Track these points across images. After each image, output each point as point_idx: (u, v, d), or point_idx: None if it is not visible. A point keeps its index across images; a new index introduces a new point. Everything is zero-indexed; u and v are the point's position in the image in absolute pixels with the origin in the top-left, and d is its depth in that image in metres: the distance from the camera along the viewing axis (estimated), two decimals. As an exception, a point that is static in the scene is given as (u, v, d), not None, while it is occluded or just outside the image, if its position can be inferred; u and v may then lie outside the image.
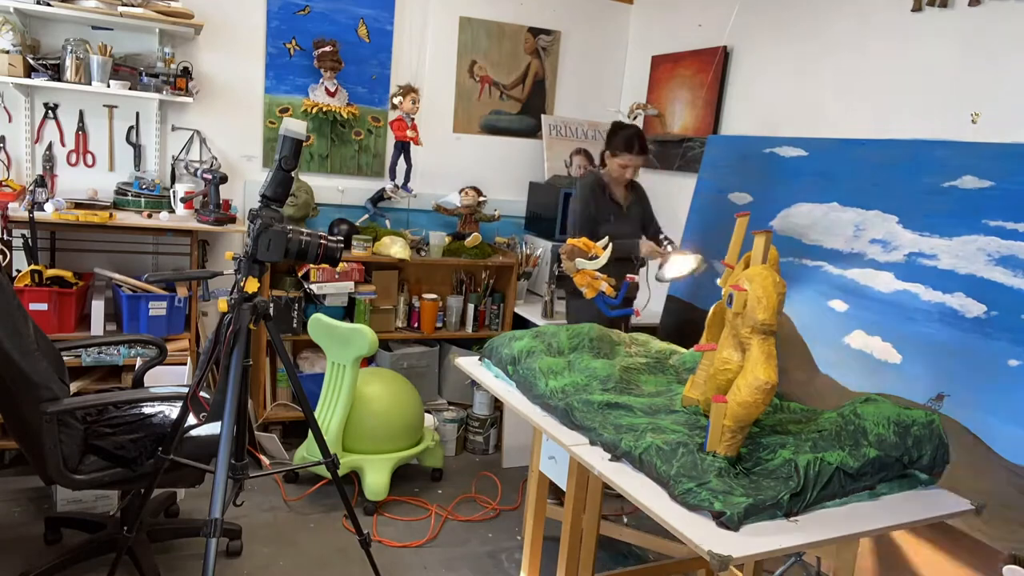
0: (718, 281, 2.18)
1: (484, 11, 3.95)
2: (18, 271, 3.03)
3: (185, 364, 3.17)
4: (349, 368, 3.04)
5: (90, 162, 3.36)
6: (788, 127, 3.12)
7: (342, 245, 2.18)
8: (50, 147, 3.28)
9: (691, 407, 2.03)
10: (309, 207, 3.55)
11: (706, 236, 3.11)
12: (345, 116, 3.71)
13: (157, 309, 3.13)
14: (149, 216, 3.20)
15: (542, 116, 4.16)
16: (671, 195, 3.84)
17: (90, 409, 2.30)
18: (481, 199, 3.84)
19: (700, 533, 1.48)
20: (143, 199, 3.30)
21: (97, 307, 3.05)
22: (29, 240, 3.01)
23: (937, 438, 1.82)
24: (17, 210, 2.96)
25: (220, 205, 3.25)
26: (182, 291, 3.19)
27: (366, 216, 3.79)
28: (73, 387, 2.84)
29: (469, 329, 3.86)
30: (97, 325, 3.06)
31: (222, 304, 2.05)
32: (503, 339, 2.44)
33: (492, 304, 3.87)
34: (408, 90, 3.67)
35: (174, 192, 3.32)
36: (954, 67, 2.51)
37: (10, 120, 3.21)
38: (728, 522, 1.50)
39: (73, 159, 3.34)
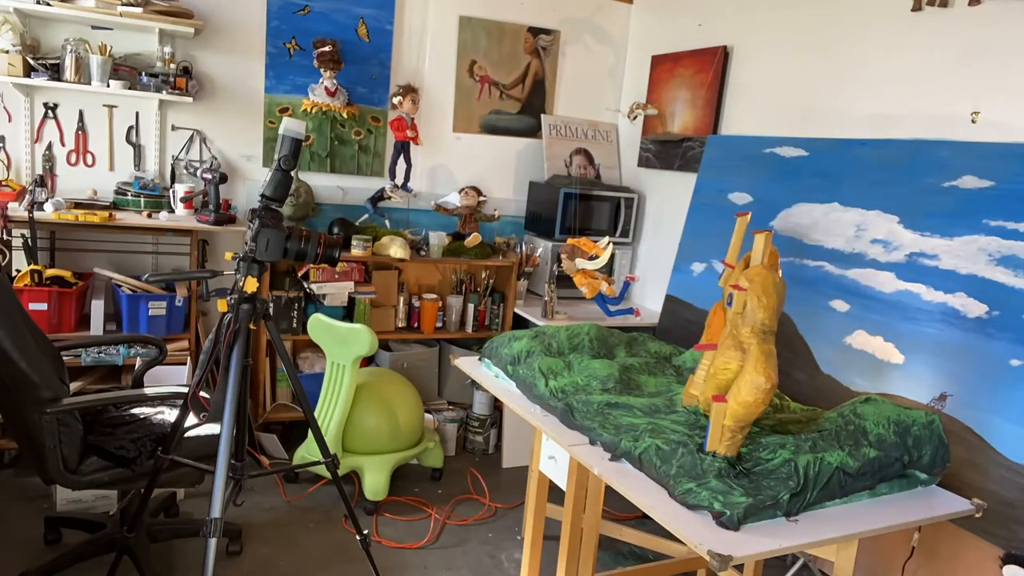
0: (718, 281, 2.18)
1: (484, 11, 3.94)
2: (18, 271, 3.03)
3: (185, 364, 3.17)
4: (349, 368, 3.04)
5: (90, 162, 3.35)
6: (788, 127, 3.12)
7: (340, 245, 2.18)
8: (50, 147, 3.28)
9: (691, 407, 2.03)
10: (309, 207, 3.55)
11: (706, 236, 3.11)
12: (345, 116, 3.70)
13: (157, 309, 3.13)
14: (149, 216, 3.20)
15: (542, 116, 4.16)
16: (671, 195, 3.84)
17: (90, 409, 2.30)
18: (481, 199, 3.84)
19: (700, 533, 1.48)
20: (143, 199, 3.30)
21: (97, 307, 3.05)
22: (29, 240, 3.01)
23: (937, 438, 1.82)
24: (17, 210, 2.96)
25: (220, 205, 3.25)
26: (182, 291, 3.19)
27: (366, 216, 3.79)
28: (73, 387, 2.84)
29: (469, 329, 3.85)
30: (97, 325, 3.06)
31: (222, 304, 2.05)
32: (503, 339, 2.44)
33: (492, 304, 3.87)
34: (408, 90, 3.67)
35: (174, 192, 3.32)
36: (954, 67, 2.50)
37: (10, 120, 3.20)
38: (728, 522, 1.50)
39: (73, 159, 3.33)
